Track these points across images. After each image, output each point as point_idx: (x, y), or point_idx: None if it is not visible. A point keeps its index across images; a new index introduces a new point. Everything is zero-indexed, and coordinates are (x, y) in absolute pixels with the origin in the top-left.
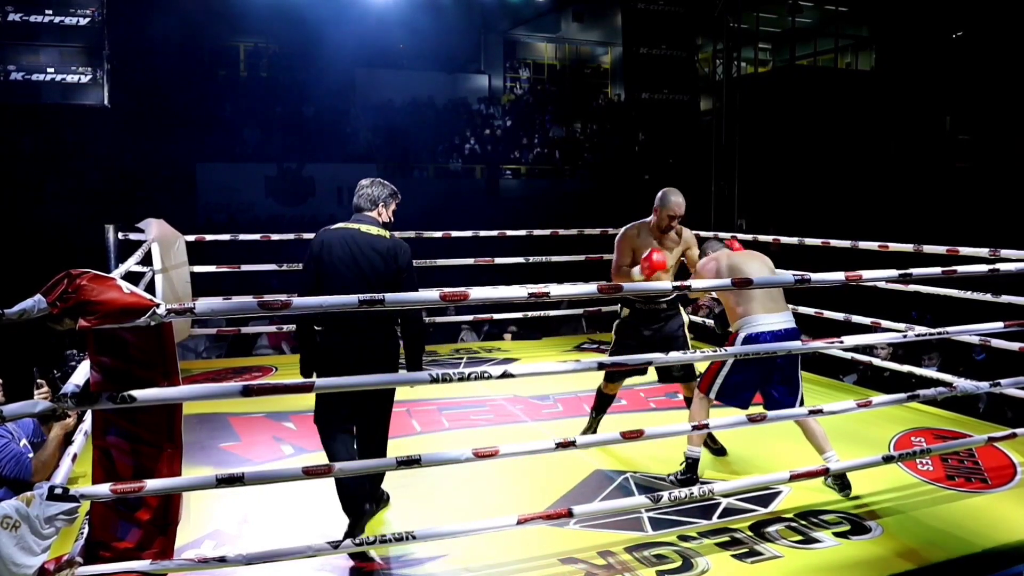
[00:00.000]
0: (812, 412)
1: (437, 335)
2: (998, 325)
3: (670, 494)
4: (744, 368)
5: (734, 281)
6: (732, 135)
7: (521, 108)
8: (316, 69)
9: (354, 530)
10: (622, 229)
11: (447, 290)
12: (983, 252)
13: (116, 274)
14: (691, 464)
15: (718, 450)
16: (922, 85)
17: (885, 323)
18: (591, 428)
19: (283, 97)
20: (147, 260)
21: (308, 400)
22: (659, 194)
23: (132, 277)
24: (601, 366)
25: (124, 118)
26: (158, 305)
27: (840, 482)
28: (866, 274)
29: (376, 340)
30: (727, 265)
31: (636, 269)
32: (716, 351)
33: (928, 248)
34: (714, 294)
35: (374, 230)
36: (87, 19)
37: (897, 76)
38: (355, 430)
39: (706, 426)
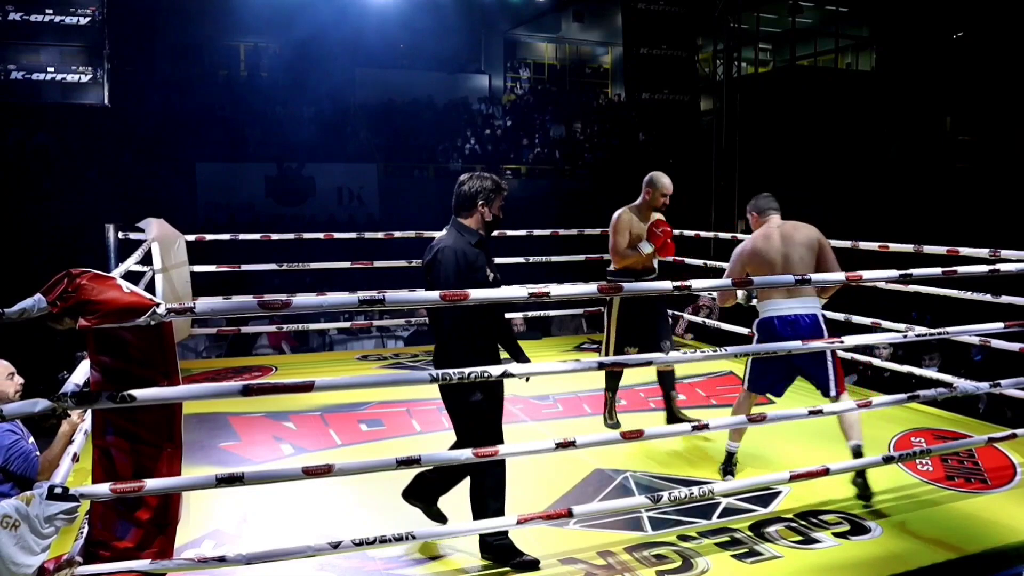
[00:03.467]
0: (812, 412)
1: None
2: (998, 325)
3: (670, 494)
4: (762, 358)
5: (735, 282)
6: (732, 135)
7: (521, 108)
8: (316, 69)
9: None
10: (616, 215)
11: (447, 290)
12: (983, 252)
13: (116, 273)
14: (727, 456)
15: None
16: (922, 86)
17: (885, 323)
18: (611, 409)
19: (283, 97)
20: (147, 260)
21: (308, 400)
22: (649, 177)
23: (132, 277)
24: (601, 366)
25: (124, 118)
26: (158, 305)
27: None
28: (866, 274)
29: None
30: (750, 250)
31: (644, 244)
32: (716, 351)
33: (928, 248)
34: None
35: (443, 234)
36: (87, 19)
37: (897, 77)
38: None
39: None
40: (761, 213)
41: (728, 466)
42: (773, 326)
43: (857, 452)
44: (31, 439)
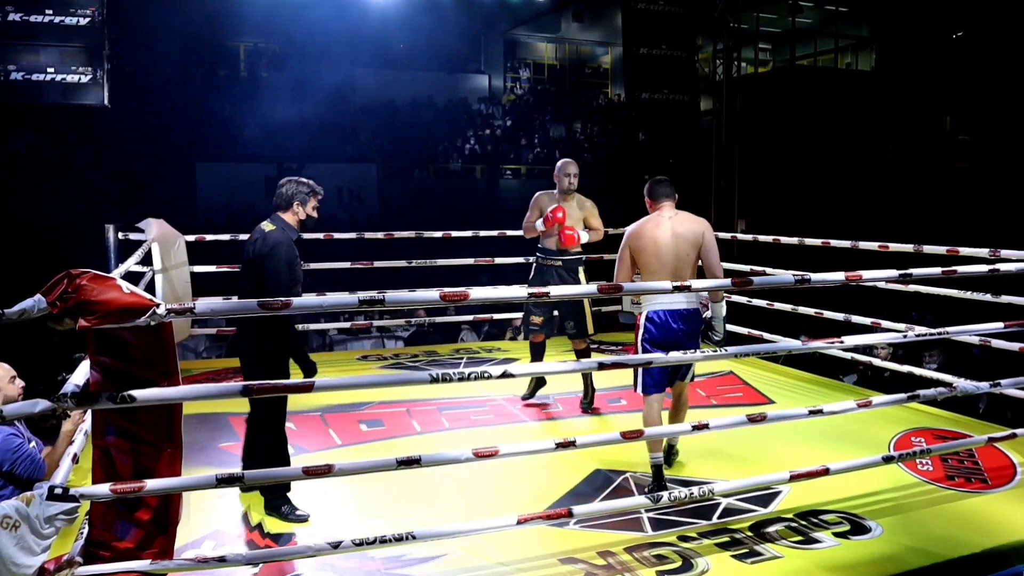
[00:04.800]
0: (812, 412)
1: (437, 335)
2: (998, 325)
3: (670, 494)
4: (655, 350)
5: (735, 282)
6: (732, 135)
7: (521, 108)
8: (316, 69)
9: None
10: (536, 194)
11: (447, 290)
12: (983, 252)
13: (116, 274)
14: (655, 471)
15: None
16: (922, 85)
17: (885, 323)
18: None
19: (283, 97)
20: (147, 260)
21: (308, 400)
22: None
23: (132, 277)
24: (601, 366)
25: (124, 118)
26: (158, 305)
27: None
28: (866, 274)
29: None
30: (637, 233)
31: (540, 221)
32: (716, 351)
33: (928, 248)
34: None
35: (270, 226)
36: (87, 19)
37: (897, 76)
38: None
39: (706, 426)
40: (655, 199)
41: (658, 484)
42: (666, 319)
43: (671, 449)
44: (33, 442)
